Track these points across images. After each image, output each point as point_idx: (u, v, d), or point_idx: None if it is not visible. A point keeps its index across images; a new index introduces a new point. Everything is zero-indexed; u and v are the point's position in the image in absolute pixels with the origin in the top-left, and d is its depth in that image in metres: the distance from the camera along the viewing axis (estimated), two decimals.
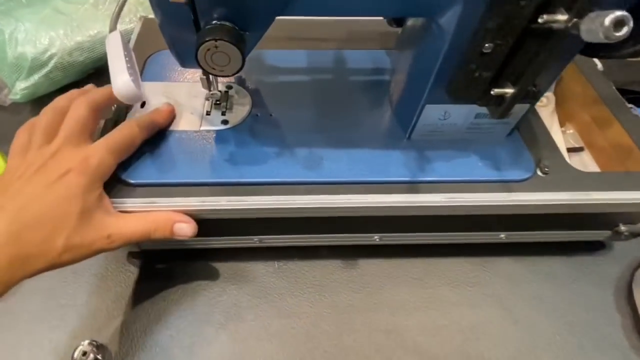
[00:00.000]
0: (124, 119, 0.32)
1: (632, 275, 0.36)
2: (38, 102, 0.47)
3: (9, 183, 0.26)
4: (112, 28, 0.30)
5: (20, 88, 0.45)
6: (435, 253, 0.37)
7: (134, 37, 0.40)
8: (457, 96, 0.27)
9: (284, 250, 0.36)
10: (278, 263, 0.36)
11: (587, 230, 0.35)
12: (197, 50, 0.22)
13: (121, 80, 0.25)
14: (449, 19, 0.25)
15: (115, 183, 0.29)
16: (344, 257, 0.36)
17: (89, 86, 0.32)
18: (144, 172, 0.29)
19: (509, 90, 0.26)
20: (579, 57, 0.29)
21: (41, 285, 0.33)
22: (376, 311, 0.34)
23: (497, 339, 0.33)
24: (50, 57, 0.46)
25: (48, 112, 0.29)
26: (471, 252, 0.37)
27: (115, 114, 0.33)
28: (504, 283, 0.36)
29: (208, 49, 0.22)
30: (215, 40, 0.21)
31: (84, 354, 0.29)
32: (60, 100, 0.29)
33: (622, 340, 0.33)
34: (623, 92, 0.37)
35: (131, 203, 0.28)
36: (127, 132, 0.29)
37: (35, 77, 0.46)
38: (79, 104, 0.28)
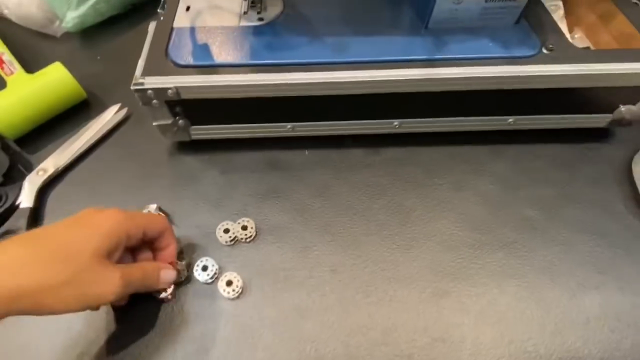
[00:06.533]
0: None
1: (633, 155, 0.39)
2: (86, 33, 0.52)
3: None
4: None
5: (70, 17, 0.50)
6: (450, 142, 0.41)
7: None
8: None
9: (313, 140, 0.40)
10: (308, 151, 0.40)
11: (589, 114, 0.38)
12: None
13: None
14: None
15: (169, 65, 0.34)
16: (366, 146, 0.41)
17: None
18: (196, 56, 0.34)
19: None
20: None
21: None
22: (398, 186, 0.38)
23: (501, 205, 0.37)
24: None
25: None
26: (482, 140, 0.40)
27: None
28: (510, 165, 0.39)
29: None
30: None
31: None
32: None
33: (619, 206, 0.36)
34: None
35: (189, 81, 0.33)
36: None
37: (84, 7, 0.51)
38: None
